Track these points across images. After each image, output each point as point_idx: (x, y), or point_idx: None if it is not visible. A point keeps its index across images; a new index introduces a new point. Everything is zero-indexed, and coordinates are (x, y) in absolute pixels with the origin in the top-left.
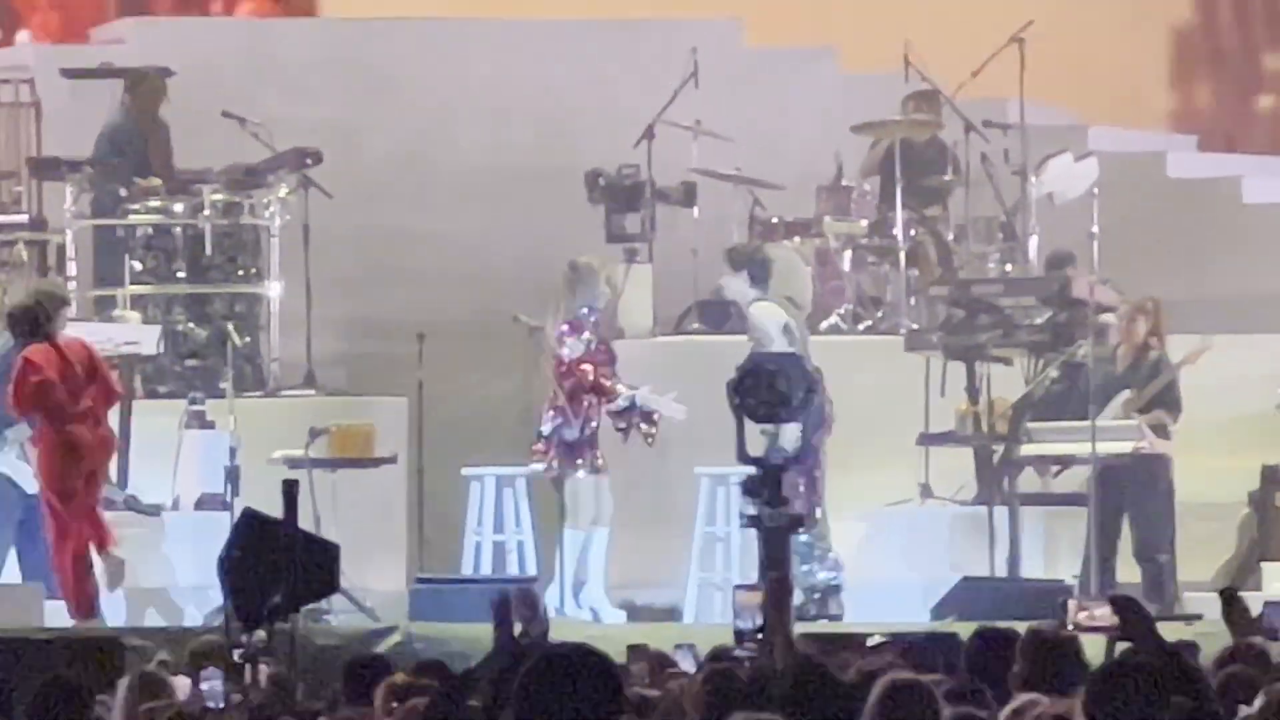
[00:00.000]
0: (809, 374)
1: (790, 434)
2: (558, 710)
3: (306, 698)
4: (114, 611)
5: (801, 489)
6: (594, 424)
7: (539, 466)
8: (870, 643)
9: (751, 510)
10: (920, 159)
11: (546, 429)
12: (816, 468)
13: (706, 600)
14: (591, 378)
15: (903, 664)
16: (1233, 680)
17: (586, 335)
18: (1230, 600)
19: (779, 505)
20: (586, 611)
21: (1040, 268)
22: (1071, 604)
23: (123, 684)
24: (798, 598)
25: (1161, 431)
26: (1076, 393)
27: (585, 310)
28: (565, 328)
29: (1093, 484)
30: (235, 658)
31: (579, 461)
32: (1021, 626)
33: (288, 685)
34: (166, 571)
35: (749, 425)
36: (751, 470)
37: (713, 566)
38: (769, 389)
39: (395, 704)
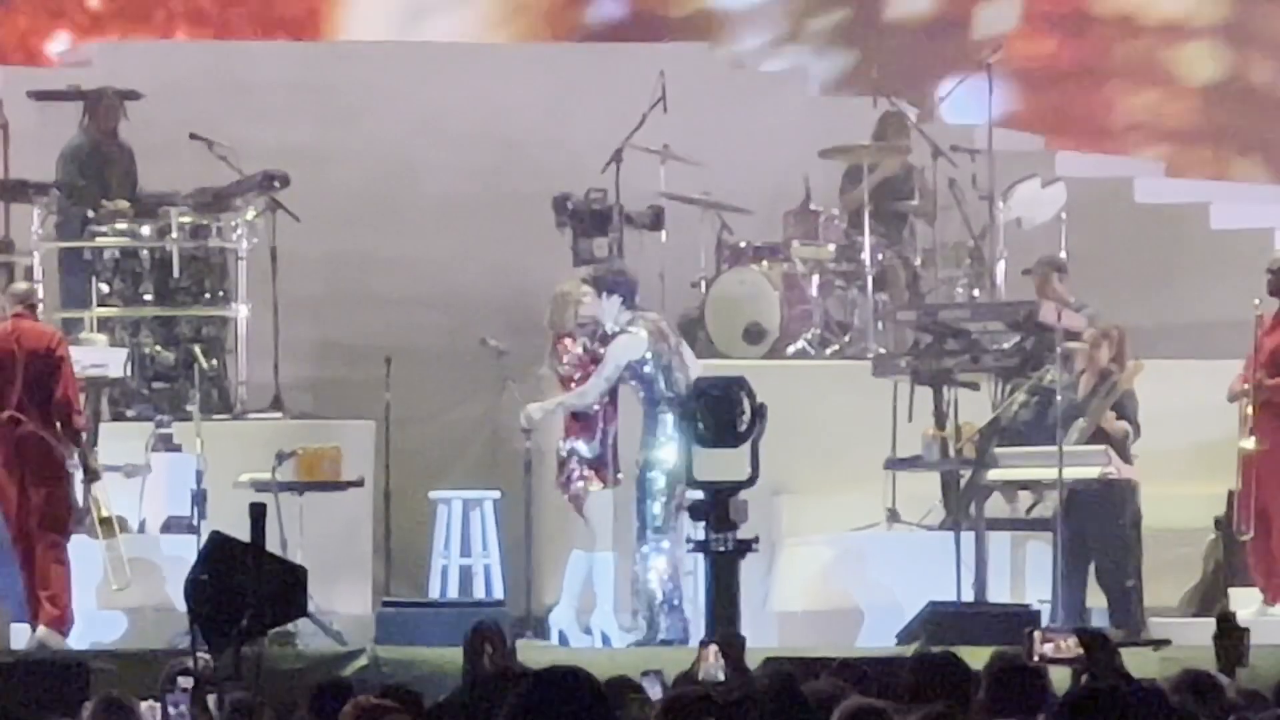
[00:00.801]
0: (754, 397)
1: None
2: None
3: None
4: (79, 634)
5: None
6: (611, 437)
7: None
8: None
9: (699, 535)
10: (893, 184)
11: (563, 451)
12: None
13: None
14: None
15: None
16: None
17: (583, 341)
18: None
19: (727, 530)
20: (597, 636)
21: (1012, 289)
22: (1037, 635)
23: (88, 707)
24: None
25: (1124, 452)
26: (1048, 418)
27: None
28: (564, 342)
29: (1059, 510)
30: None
31: (601, 478)
32: (987, 652)
33: (253, 710)
34: (133, 594)
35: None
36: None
37: (699, 590)
38: (714, 413)
39: None
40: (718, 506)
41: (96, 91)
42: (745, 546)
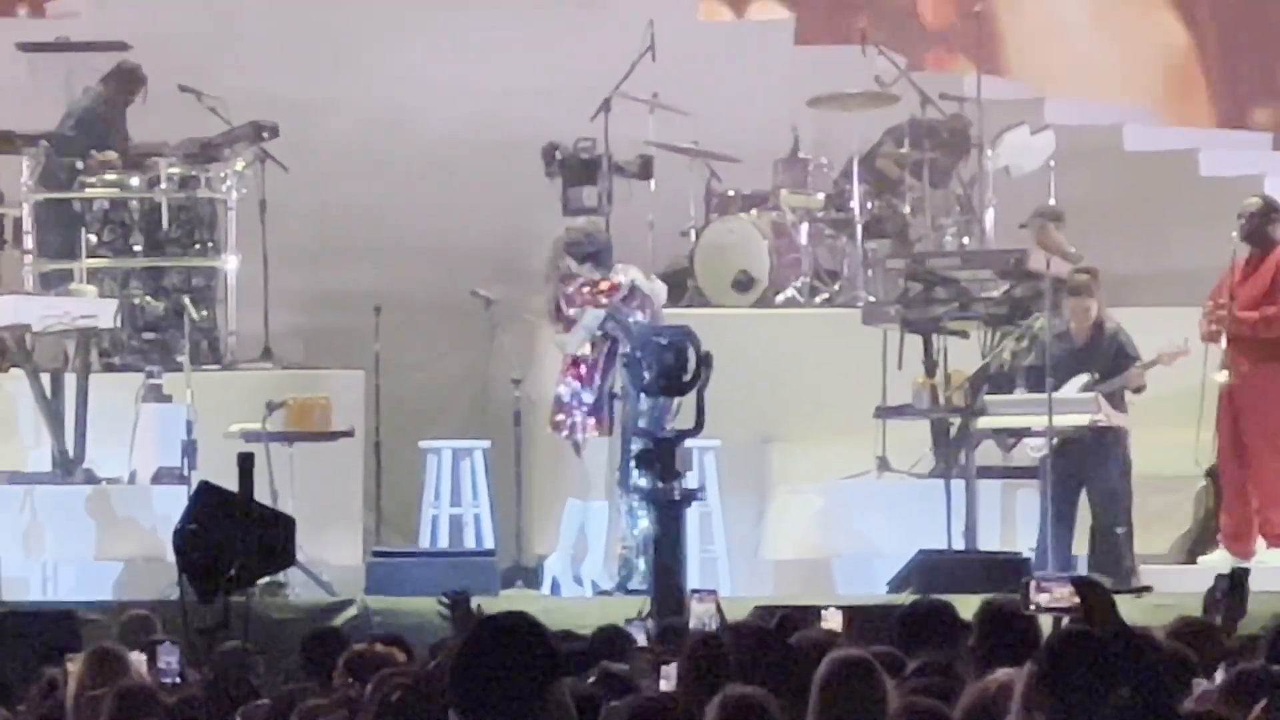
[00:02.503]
0: (700, 346)
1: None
2: (493, 679)
3: (264, 671)
4: (69, 585)
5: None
6: (609, 382)
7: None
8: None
9: (644, 483)
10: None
11: (565, 394)
12: None
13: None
14: (599, 285)
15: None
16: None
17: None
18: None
19: (672, 479)
20: (587, 586)
21: (1001, 237)
22: (1032, 584)
23: (78, 658)
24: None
25: (1119, 403)
26: (1060, 365)
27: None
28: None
29: (1049, 457)
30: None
31: (599, 424)
32: (978, 599)
33: (243, 659)
34: (123, 545)
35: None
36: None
37: (691, 538)
38: (661, 363)
39: (351, 678)
40: (663, 455)
41: (120, 63)
42: (691, 495)
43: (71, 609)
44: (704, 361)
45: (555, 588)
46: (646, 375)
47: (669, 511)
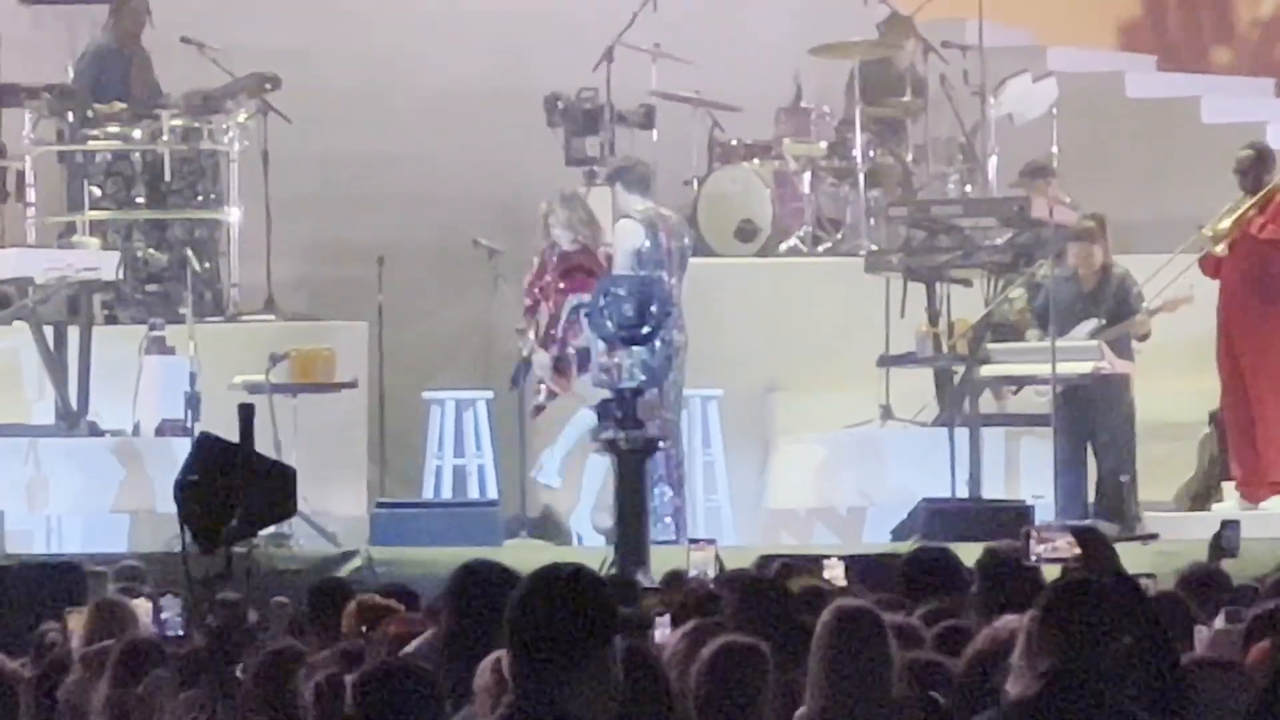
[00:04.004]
0: (665, 298)
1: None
2: (552, 631)
3: (266, 623)
4: (73, 537)
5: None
6: (576, 338)
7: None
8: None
9: (607, 434)
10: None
11: (557, 352)
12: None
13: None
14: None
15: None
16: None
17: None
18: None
19: (634, 428)
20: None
21: (1004, 185)
22: (1033, 534)
23: (83, 610)
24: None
25: (1125, 350)
26: (1068, 312)
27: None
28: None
29: (1058, 406)
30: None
31: (561, 384)
32: (981, 548)
33: (245, 611)
34: (127, 497)
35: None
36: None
37: (695, 487)
38: (621, 312)
39: (364, 626)
40: (625, 405)
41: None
42: (653, 445)
43: (76, 561)
44: (665, 311)
45: (580, 542)
46: (608, 325)
47: (629, 461)
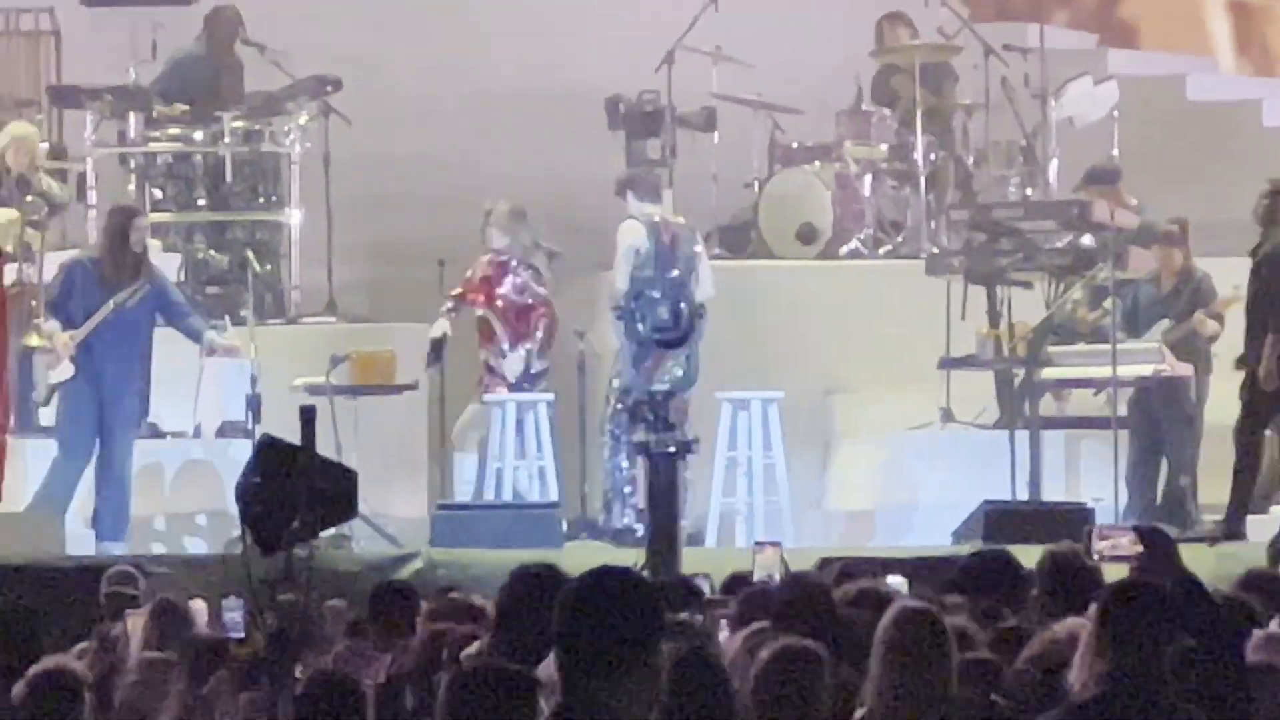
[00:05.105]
0: (693, 300)
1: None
2: (599, 633)
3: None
4: (133, 539)
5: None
6: (511, 347)
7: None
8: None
9: (639, 436)
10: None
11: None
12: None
13: (728, 526)
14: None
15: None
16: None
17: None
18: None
19: (666, 430)
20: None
21: (1065, 188)
22: (1095, 533)
23: (143, 612)
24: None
25: (1195, 352)
26: (1136, 316)
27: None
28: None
29: (1130, 408)
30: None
31: (496, 384)
32: (1039, 550)
33: (305, 612)
34: (187, 499)
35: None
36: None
37: (734, 492)
38: (656, 315)
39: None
40: (657, 408)
41: (215, 8)
42: (686, 447)
43: (136, 562)
44: (697, 314)
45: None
46: (640, 329)
47: (661, 463)
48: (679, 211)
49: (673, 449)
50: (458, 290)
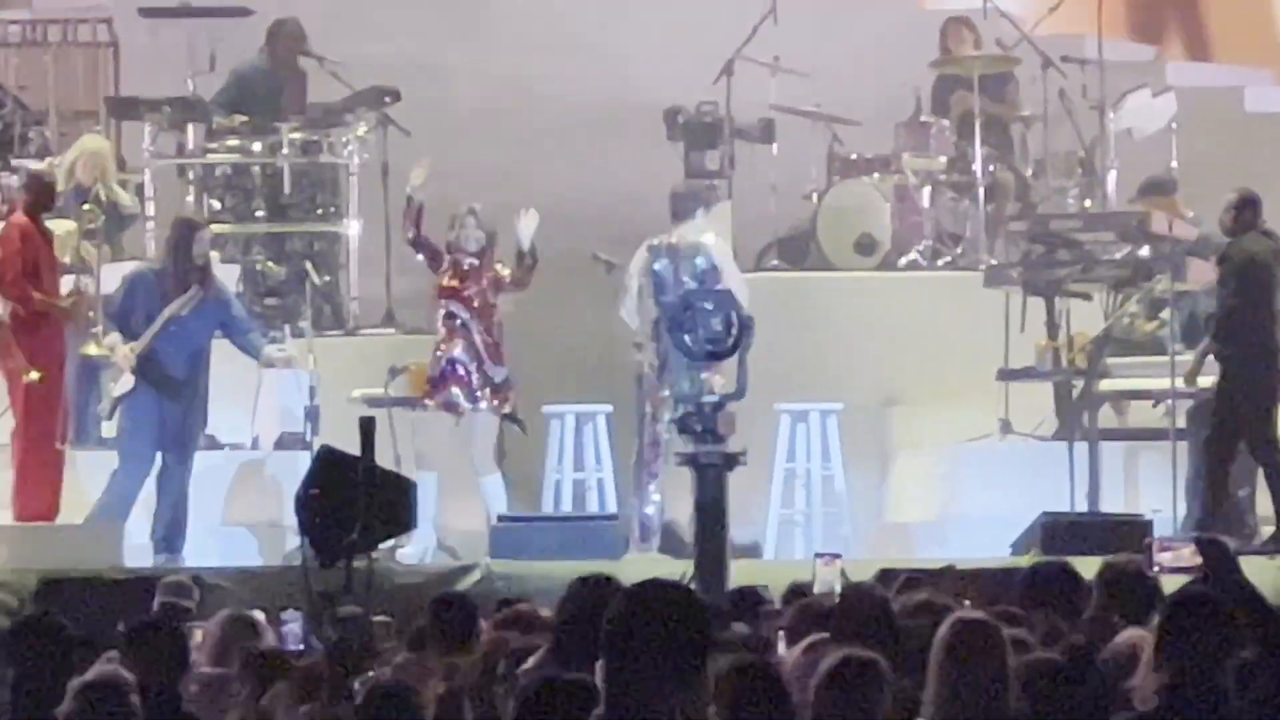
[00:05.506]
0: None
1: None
2: (647, 644)
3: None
4: (192, 551)
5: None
6: (448, 360)
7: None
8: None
9: (686, 448)
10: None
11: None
12: None
13: (786, 537)
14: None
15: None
16: None
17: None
18: None
19: (715, 442)
20: None
21: (1123, 199)
22: (1156, 544)
23: (213, 622)
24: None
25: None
26: (1194, 325)
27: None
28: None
29: (1189, 419)
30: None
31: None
32: (1098, 562)
33: (365, 624)
34: (246, 510)
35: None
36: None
37: (792, 503)
38: (709, 326)
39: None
40: (705, 420)
41: (277, 21)
42: (733, 460)
43: (195, 574)
44: (746, 325)
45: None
46: (689, 341)
47: (709, 475)
48: (737, 223)
49: (719, 461)
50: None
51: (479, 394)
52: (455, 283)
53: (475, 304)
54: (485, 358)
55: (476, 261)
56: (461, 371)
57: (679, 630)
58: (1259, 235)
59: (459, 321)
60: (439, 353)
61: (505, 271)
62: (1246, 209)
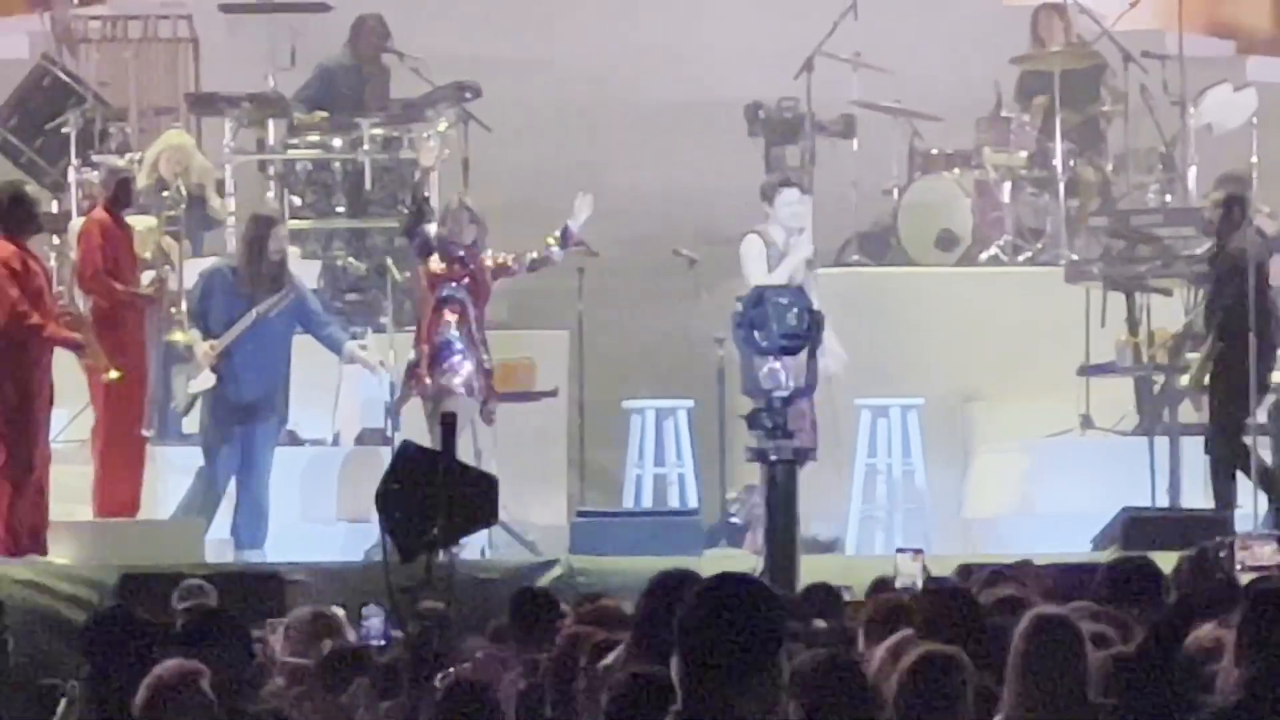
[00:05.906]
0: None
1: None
2: (721, 640)
3: (468, 631)
4: (274, 546)
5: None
6: (431, 346)
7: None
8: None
9: (755, 443)
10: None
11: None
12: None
13: (867, 533)
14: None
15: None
16: None
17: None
18: None
19: (785, 438)
20: None
21: (1204, 193)
22: (1235, 542)
23: (292, 618)
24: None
25: None
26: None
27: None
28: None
29: (1270, 414)
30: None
31: (416, 386)
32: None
33: (446, 620)
34: (326, 506)
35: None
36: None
37: (873, 498)
38: (785, 320)
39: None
40: (775, 415)
41: (360, 17)
42: (803, 455)
43: (276, 570)
44: (815, 321)
45: None
46: (758, 335)
47: (779, 471)
48: (818, 219)
49: (789, 456)
50: None
51: (475, 383)
52: (446, 267)
53: (469, 284)
54: (479, 341)
55: (463, 253)
56: (460, 349)
57: (751, 624)
58: (1248, 232)
59: (457, 301)
60: (436, 336)
61: (500, 259)
62: (1235, 207)
